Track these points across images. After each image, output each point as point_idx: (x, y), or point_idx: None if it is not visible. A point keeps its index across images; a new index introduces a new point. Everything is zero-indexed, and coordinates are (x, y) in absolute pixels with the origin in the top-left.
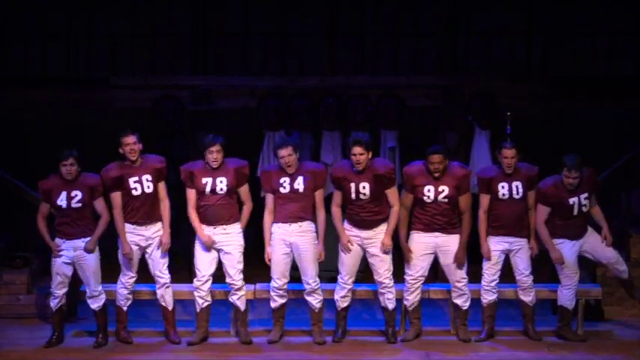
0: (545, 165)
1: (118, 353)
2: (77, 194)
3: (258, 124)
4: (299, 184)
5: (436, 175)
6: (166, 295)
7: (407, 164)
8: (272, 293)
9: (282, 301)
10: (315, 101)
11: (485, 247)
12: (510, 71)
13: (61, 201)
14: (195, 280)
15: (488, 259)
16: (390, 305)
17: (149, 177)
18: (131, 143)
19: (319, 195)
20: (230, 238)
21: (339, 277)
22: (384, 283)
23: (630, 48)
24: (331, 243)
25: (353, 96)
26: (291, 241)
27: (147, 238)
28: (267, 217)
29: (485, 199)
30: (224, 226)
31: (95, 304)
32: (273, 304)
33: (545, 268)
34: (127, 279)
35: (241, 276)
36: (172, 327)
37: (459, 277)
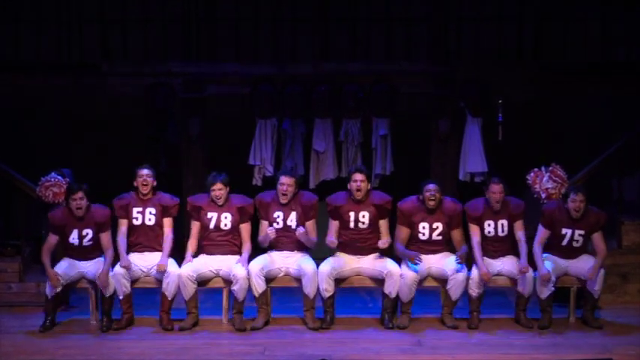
0: (536, 153)
1: (110, 340)
2: (88, 232)
3: (252, 112)
4: (292, 220)
5: (431, 205)
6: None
7: (401, 200)
8: (254, 279)
9: (264, 286)
10: (308, 88)
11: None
12: (502, 58)
13: (73, 239)
14: (182, 267)
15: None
16: (394, 293)
17: (153, 210)
18: (144, 175)
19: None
20: (229, 263)
21: (325, 269)
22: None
23: (623, 34)
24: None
25: (345, 83)
26: (287, 265)
27: (146, 267)
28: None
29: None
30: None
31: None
32: (255, 290)
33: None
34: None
35: (243, 269)
36: (167, 314)
37: (453, 269)
